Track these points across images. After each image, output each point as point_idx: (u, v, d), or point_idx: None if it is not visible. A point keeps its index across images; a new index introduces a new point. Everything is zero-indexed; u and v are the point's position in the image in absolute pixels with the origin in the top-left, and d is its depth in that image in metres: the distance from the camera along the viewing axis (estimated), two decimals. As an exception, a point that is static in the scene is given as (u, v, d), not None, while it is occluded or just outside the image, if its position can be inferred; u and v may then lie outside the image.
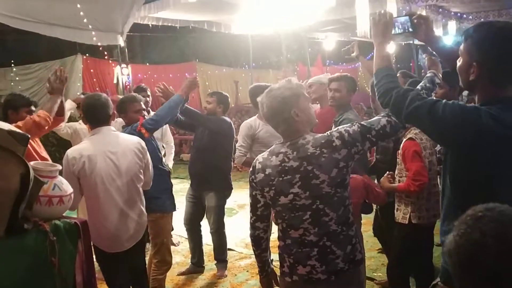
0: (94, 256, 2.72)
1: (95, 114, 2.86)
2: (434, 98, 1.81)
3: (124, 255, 2.92)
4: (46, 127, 3.24)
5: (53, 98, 3.23)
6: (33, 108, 3.52)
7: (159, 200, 3.34)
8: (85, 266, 2.21)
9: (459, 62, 1.70)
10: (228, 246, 4.48)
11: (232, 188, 4.30)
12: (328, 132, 2.02)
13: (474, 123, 1.57)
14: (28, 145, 3.36)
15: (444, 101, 1.69)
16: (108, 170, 2.74)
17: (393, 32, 1.97)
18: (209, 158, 4.07)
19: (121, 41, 7.03)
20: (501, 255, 0.92)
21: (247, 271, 4.32)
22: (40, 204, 2.05)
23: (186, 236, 5.26)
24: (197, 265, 4.35)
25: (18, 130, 2.11)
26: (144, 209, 2.97)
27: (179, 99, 3.48)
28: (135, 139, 2.94)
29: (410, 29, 1.97)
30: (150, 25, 7.78)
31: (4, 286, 1.88)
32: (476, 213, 1.03)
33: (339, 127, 2.05)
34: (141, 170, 2.89)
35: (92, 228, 2.29)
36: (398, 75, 3.37)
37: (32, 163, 2.06)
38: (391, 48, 14.69)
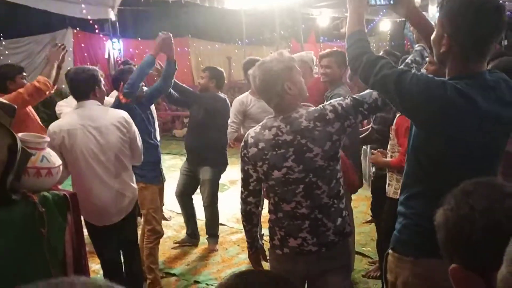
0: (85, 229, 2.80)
1: (78, 88, 2.82)
2: (405, 68, 1.75)
3: (113, 228, 2.92)
4: (47, 92, 3.32)
5: (50, 63, 3.39)
6: (24, 74, 3.53)
7: (141, 171, 3.33)
8: (75, 238, 2.21)
9: (433, 34, 1.65)
10: (219, 221, 4.51)
11: (227, 164, 4.31)
12: (321, 106, 2.01)
13: (439, 96, 1.53)
14: (31, 113, 3.40)
15: (413, 72, 1.65)
16: (89, 145, 2.70)
17: (373, 1, 1.89)
18: (205, 134, 4.08)
19: (112, 15, 6.96)
20: (488, 231, 0.91)
21: (238, 245, 4.35)
22: (28, 175, 2.03)
23: (178, 211, 5.31)
24: (192, 237, 4.41)
25: (4, 101, 2.07)
26: (133, 184, 2.96)
27: (150, 58, 3.40)
28: (119, 113, 2.89)
29: (391, 1, 1.89)
30: (142, -1, 7.64)
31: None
32: (466, 187, 1.02)
33: (332, 100, 2.04)
34: (126, 145, 2.84)
35: (80, 202, 2.28)
36: (381, 53, 3.34)
37: (20, 134, 2.04)
38: (386, 26, 14.64)
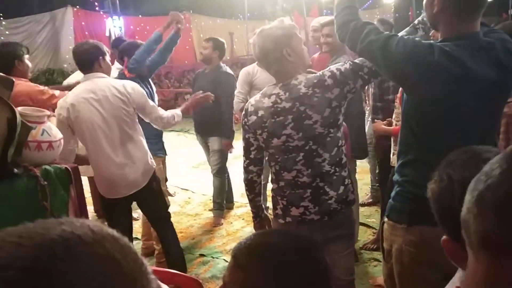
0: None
1: (81, 59, 2.82)
2: (391, 33, 1.69)
3: (124, 202, 2.93)
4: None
5: None
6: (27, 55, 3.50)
7: (147, 144, 3.33)
8: (79, 211, 2.22)
9: None
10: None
11: (234, 133, 4.30)
12: (320, 72, 1.98)
13: (425, 60, 1.50)
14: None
15: (399, 36, 1.61)
16: (92, 117, 2.70)
17: None
18: (212, 106, 4.06)
19: (111, -9, 6.82)
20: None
21: (243, 219, 4.38)
22: (29, 149, 2.03)
23: (182, 187, 5.34)
24: (227, 201, 4.53)
25: (2, 74, 2.05)
26: (146, 157, 2.91)
27: (158, 35, 3.48)
28: (118, 82, 2.86)
29: None
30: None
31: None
32: (450, 157, 1.00)
33: (331, 66, 2.01)
34: (130, 115, 2.80)
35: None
36: (375, 22, 3.27)
37: (19, 108, 2.03)
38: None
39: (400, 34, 1.87)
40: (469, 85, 1.50)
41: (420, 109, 1.59)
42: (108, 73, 2.88)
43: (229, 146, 4.25)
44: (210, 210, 4.62)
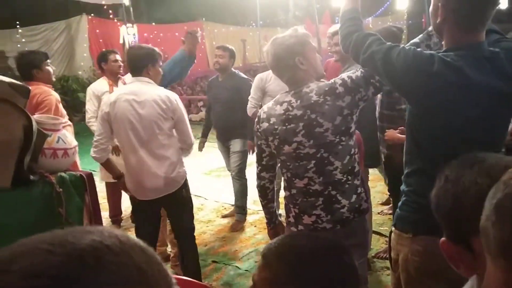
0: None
1: (133, 63, 2.92)
2: (393, 44, 1.68)
3: (153, 207, 2.97)
4: None
5: None
6: (49, 60, 3.59)
7: None
8: (93, 218, 2.24)
9: (430, 6, 1.61)
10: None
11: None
12: (332, 80, 1.98)
13: (424, 71, 1.49)
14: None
15: (401, 46, 1.60)
16: (130, 117, 2.78)
17: None
18: (232, 111, 4.20)
19: (125, 0, 6.91)
20: (457, 198, 0.89)
21: (255, 226, 4.38)
22: (45, 156, 2.06)
23: (195, 194, 5.35)
24: (240, 210, 4.52)
25: (18, 82, 2.09)
26: (176, 164, 2.94)
27: (182, 53, 3.49)
28: (164, 91, 2.93)
29: None
30: (155, -18, 7.59)
31: (13, 236, 1.91)
32: (451, 163, 1.01)
33: (343, 74, 2.01)
34: (165, 122, 2.86)
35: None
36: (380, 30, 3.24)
37: (35, 116, 2.06)
38: (403, 4, 14.34)
39: (413, 41, 1.87)
40: (471, 95, 1.48)
41: (421, 119, 1.59)
42: (156, 80, 2.95)
43: (253, 147, 4.30)
44: (223, 216, 4.63)
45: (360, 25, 1.76)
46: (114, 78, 4.23)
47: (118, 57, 4.28)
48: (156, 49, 2.99)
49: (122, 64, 4.25)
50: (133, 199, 3.00)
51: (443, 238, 0.84)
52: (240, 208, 4.43)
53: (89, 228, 0.49)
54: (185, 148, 3.02)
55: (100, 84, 4.24)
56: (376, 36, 1.68)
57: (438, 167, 1.00)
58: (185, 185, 3.01)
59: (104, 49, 4.31)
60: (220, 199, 4.70)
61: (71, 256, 0.43)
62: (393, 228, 1.76)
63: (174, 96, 2.91)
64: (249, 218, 4.58)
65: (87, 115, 4.15)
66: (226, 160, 4.56)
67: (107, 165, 2.92)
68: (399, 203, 1.75)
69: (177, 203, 3.00)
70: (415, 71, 1.51)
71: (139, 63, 2.87)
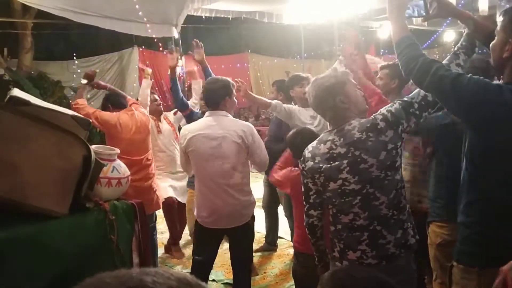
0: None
1: (210, 97, 3.01)
2: (460, 71, 1.76)
3: (216, 235, 3.04)
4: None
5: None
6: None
7: (192, 177, 3.57)
8: (143, 247, 2.31)
9: (494, 40, 1.68)
10: (278, 234, 4.63)
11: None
12: (372, 116, 2.01)
13: (494, 97, 1.57)
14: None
15: (469, 75, 1.65)
16: (205, 152, 2.89)
17: (407, 14, 1.91)
18: (275, 145, 4.22)
19: (175, 33, 7.19)
20: None
21: (297, 258, 4.34)
22: (100, 185, 2.16)
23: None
24: (270, 244, 4.65)
25: (80, 115, 2.23)
26: (246, 197, 3.01)
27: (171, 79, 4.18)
28: (239, 124, 3.00)
29: (423, 13, 1.92)
30: (203, 17, 7.89)
31: (68, 260, 2.01)
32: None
33: (382, 109, 2.03)
34: (242, 159, 2.94)
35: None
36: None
37: (93, 146, 2.18)
38: (450, 36, 14.14)
39: (444, 62, 1.87)
40: None
41: (484, 146, 1.62)
42: (230, 111, 3.04)
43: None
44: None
45: (421, 49, 1.80)
46: (157, 117, 4.53)
47: (156, 97, 4.62)
48: (230, 79, 3.06)
49: (161, 102, 4.63)
50: (197, 224, 3.07)
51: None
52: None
53: (149, 270, 0.55)
54: (259, 170, 3.18)
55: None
56: (441, 63, 1.74)
57: (501, 195, 1.01)
58: (253, 216, 3.07)
59: (152, 80, 4.57)
60: (261, 230, 4.72)
61: None
62: (455, 263, 1.76)
63: (247, 126, 2.98)
64: (290, 251, 4.55)
65: None
66: (269, 195, 4.63)
67: None
68: (459, 236, 1.75)
69: (244, 233, 3.04)
70: (485, 97, 1.59)
71: (217, 98, 2.94)
